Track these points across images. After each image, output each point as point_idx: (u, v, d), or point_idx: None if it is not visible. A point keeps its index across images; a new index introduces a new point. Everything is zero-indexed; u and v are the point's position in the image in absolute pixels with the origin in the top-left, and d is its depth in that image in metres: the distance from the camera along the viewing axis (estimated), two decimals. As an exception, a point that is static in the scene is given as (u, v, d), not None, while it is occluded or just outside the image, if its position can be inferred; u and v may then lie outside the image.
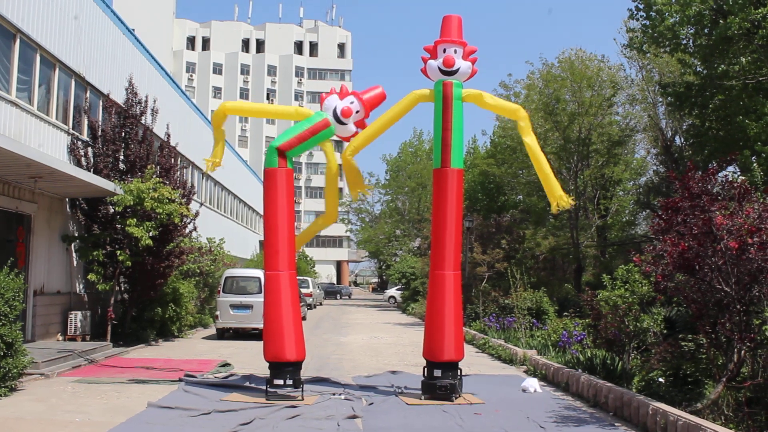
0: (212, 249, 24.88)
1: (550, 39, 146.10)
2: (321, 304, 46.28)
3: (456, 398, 10.26)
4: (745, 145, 17.25)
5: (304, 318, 25.33)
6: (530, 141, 10.71)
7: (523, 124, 10.76)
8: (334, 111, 10.77)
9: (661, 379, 9.92)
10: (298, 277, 12.10)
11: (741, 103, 18.19)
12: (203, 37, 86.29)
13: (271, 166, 10.53)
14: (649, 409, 8.43)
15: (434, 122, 10.70)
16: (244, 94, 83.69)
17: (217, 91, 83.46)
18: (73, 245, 16.44)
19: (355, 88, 12.46)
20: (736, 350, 8.54)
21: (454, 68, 10.46)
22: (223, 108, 11.47)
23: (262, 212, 11.73)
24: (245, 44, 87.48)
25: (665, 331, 11.22)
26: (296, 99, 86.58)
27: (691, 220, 8.72)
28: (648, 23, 19.73)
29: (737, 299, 8.34)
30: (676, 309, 13.19)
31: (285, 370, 10.15)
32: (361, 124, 11.00)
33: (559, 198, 10.41)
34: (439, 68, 10.51)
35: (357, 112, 10.83)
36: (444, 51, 10.52)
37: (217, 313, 20.13)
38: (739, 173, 16.42)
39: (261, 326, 10.71)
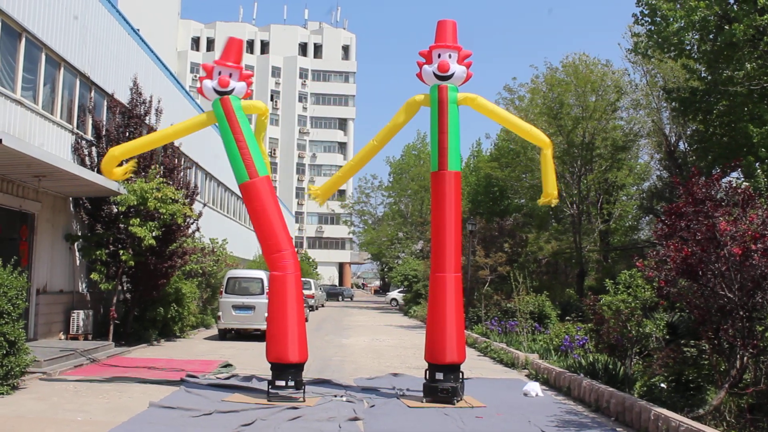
0: (215, 249, 24.91)
1: (554, 44, 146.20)
2: (323, 305, 46.27)
3: (457, 401, 10.24)
4: (749, 151, 17.25)
5: (306, 319, 25.28)
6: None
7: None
8: (215, 91, 11.07)
9: (663, 385, 9.90)
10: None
11: (745, 109, 18.19)
12: (208, 38, 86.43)
13: (243, 180, 10.68)
14: (650, 415, 8.41)
15: (430, 126, 10.77)
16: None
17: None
18: (76, 244, 16.47)
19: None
20: (738, 356, 8.52)
21: (449, 73, 10.55)
22: (112, 154, 11.60)
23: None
24: (250, 45, 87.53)
25: (668, 337, 11.20)
26: (300, 100, 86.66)
27: (695, 226, 8.71)
28: (653, 28, 19.74)
29: (740, 305, 8.33)
30: (678, 314, 13.15)
31: (287, 371, 10.17)
32: (245, 78, 11.27)
33: (551, 195, 10.86)
34: (434, 73, 10.60)
35: (230, 75, 11.13)
36: (439, 56, 10.60)
37: (219, 313, 20.16)
38: (742, 179, 16.40)
39: (263, 327, 10.77)
